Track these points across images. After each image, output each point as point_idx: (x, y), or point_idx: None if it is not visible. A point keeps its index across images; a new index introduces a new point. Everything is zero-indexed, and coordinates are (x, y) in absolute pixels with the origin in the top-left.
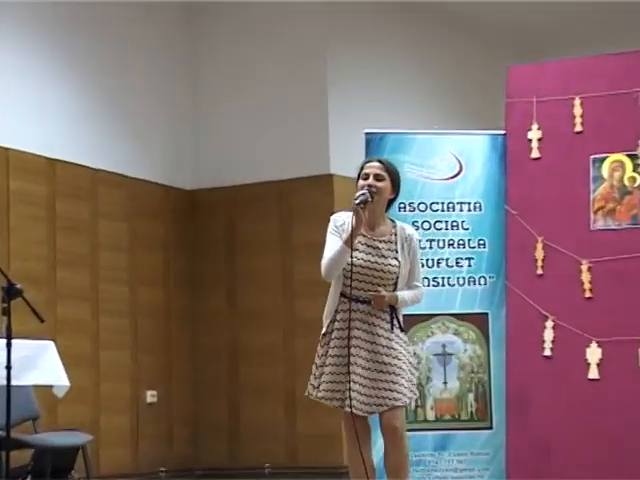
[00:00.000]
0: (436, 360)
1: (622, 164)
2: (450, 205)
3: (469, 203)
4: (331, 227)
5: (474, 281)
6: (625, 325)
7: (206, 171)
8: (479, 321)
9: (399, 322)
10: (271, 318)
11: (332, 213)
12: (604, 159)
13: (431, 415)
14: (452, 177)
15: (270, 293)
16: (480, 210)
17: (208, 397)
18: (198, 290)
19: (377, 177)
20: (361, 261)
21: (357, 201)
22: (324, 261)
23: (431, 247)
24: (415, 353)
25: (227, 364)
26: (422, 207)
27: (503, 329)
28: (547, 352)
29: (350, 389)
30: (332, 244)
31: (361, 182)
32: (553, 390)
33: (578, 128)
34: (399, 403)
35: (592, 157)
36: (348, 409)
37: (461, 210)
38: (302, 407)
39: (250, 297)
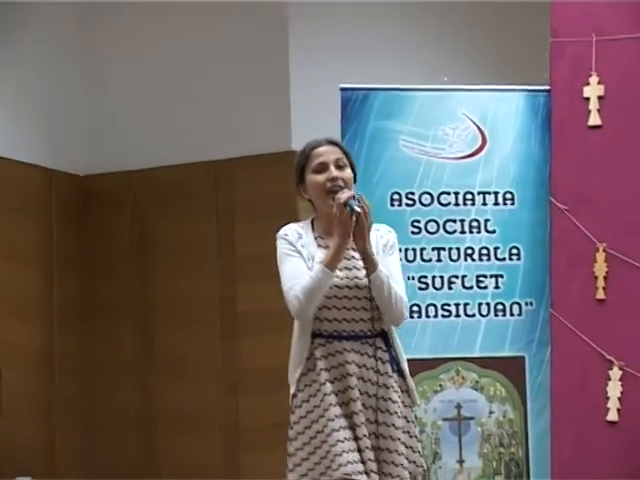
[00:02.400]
0: (448, 427)
1: None
2: (468, 197)
3: (496, 194)
4: (284, 247)
5: (504, 310)
6: None
7: (107, 151)
8: (511, 369)
9: (397, 362)
10: (203, 367)
11: (288, 218)
12: None
13: None
14: (471, 155)
15: (202, 330)
16: (512, 204)
17: None
18: (93, 325)
19: (338, 164)
20: (337, 280)
21: (354, 207)
22: (297, 293)
23: (439, 259)
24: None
25: (136, 437)
26: (426, 200)
27: (547, 381)
28: (612, 415)
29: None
30: (296, 267)
31: (317, 177)
32: (619, 472)
33: None
34: None
35: None
36: None
37: (484, 204)
38: None
39: (172, 337)
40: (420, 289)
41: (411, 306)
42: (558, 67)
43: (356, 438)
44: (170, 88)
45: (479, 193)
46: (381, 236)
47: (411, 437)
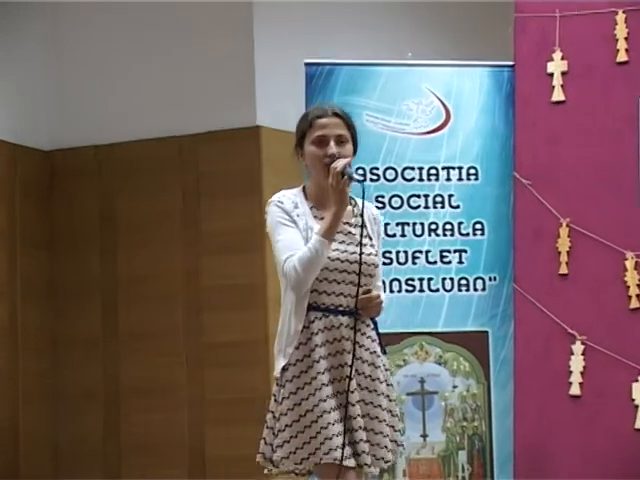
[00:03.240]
0: (411, 402)
1: None
2: (432, 172)
3: (460, 169)
4: (278, 215)
5: (467, 285)
6: None
7: (72, 126)
8: (475, 344)
9: (381, 340)
10: (169, 342)
11: (261, 185)
12: None
13: None
14: (435, 130)
15: (168, 306)
16: (476, 179)
17: (75, 462)
18: (59, 303)
19: (339, 140)
20: (337, 253)
21: (351, 173)
22: (294, 264)
23: (404, 234)
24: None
25: (102, 412)
26: (390, 175)
27: (510, 356)
28: (575, 390)
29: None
30: (292, 237)
31: (315, 150)
32: (582, 445)
33: (622, 57)
34: (381, 463)
35: None
36: (367, 467)
37: (448, 179)
38: (214, 474)
39: (137, 312)
40: (384, 264)
41: None
42: (522, 43)
43: (349, 417)
44: (135, 63)
45: (443, 168)
46: (373, 215)
47: (393, 416)
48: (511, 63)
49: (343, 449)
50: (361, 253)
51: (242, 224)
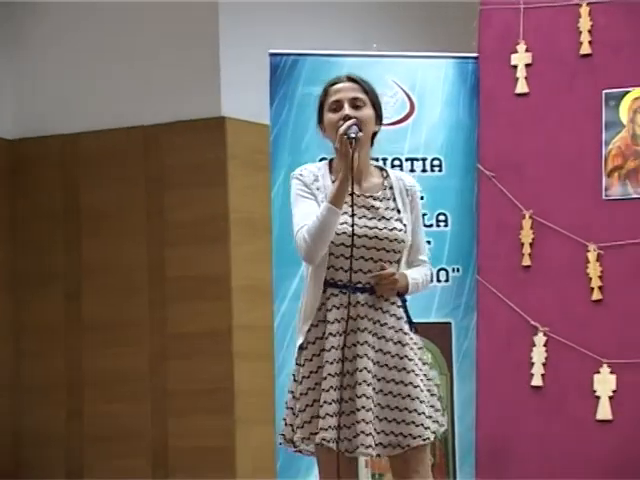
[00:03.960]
0: None
1: None
2: (396, 163)
3: (424, 160)
4: (298, 188)
5: (430, 276)
6: None
7: (36, 115)
8: (438, 335)
9: (410, 318)
10: (132, 333)
11: (225, 172)
12: (623, 95)
13: (366, 474)
14: (399, 121)
15: (131, 296)
16: (440, 171)
17: (37, 452)
18: (21, 292)
19: (355, 103)
20: (356, 228)
21: (350, 134)
22: (304, 234)
23: None
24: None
25: (65, 401)
26: None
27: (473, 347)
28: (537, 381)
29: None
30: (308, 210)
31: (331, 116)
32: (544, 437)
33: (585, 50)
34: (420, 441)
35: (605, 92)
36: (363, 448)
37: (412, 170)
38: (177, 465)
39: (100, 302)
40: None
41: None
42: (486, 34)
43: (342, 400)
44: (100, 53)
45: (407, 159)
46: (407, 186)
47: (432, 395)
48: (475, 55)
49: (339, 432)
50: (353, 224)
51: (206, 214)
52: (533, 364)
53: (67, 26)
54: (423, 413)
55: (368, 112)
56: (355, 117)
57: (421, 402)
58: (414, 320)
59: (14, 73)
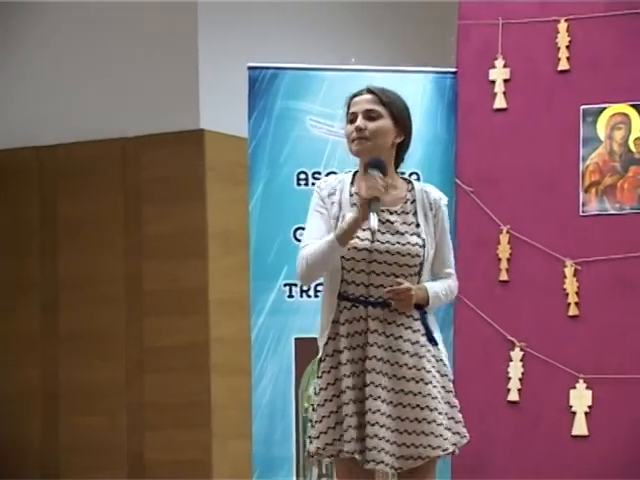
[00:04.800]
0: None
1: (626, 119)
2: None
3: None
4: (314, 201)
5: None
6: (627, 356)
7: (14, 126)
8: None
9: (430, 331)
10: (109, 345)
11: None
12: (600, 111)
13: None
14: None
15: (109, 308)
16: None
17: (12, 463)
18: None
19: (369, 115)
20: (366, 242)
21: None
22: (305, 255)
23: None
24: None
25: (40, 413)
26: None
27: (450, 362)
28: (513, 396)
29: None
30: (317, 226)
31: (347, 127)
32: (520, 452)
33: (563, 65)
34: (439, 452)
35: (583, 108)
36: (373, 464)
37: None
38: (153, 477)
39: (77, 314)
40: None
41: (316, 285)
42: (465, 49)
43: (362, 413)
44: (79, 65)
45: None
46: (431, 200)
47: (452, 407)
48: (454, 70)
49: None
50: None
51: (184, 228)
52: (510, 379)
53: (44, 39)
54: (441, 424)
55: (383, 123)
56: (365, 128)
57: (439, 413)
58: None
59: None
